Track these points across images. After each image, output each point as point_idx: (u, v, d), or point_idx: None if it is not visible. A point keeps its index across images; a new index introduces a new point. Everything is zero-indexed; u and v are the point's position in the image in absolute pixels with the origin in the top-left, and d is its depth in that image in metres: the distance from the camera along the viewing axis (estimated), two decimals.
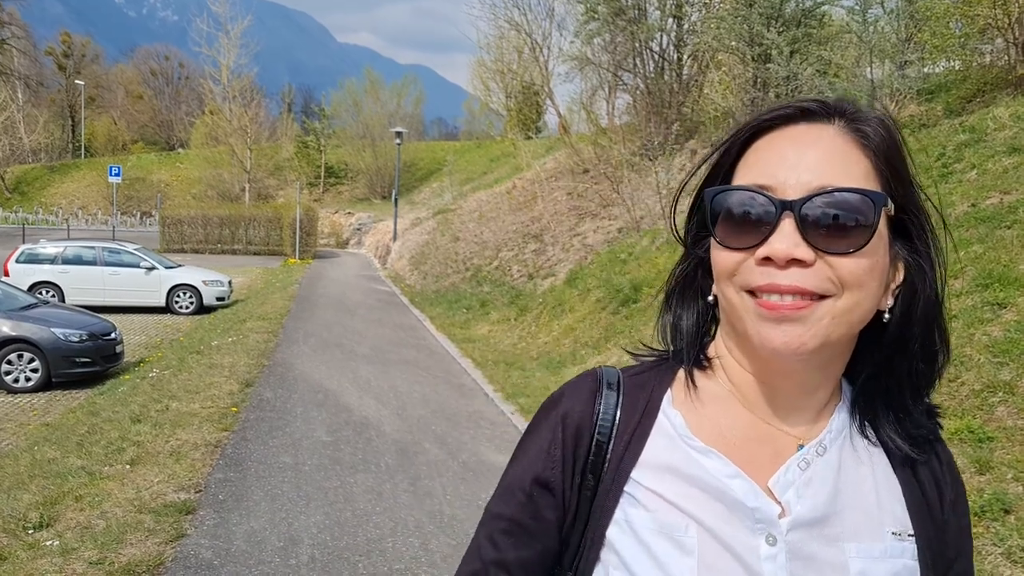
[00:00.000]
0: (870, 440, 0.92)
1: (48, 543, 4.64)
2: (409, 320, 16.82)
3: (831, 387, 0.91)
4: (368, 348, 12.46)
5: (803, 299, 0.81)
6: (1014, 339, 5.54)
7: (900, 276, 0.88)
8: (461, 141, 56.65)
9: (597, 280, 13.68)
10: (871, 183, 0.83)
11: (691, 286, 0.98)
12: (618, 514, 0.90)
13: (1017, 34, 11.01)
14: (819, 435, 0.90)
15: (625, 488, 0.90)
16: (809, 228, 0.80)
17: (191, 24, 48.96)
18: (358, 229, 40.21)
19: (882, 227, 0.82)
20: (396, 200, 33.09)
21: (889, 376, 0.91)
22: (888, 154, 0.85)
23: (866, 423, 0.92)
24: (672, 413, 0.93)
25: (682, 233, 0.98)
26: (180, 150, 61.22)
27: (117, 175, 33.57)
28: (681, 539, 0.85)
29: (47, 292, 16.85)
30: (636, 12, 19.16)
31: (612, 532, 0.90)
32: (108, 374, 10.99)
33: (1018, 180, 7.65)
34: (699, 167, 0.94)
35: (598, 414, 0.94)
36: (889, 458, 0.92)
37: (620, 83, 21.07)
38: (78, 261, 17.76)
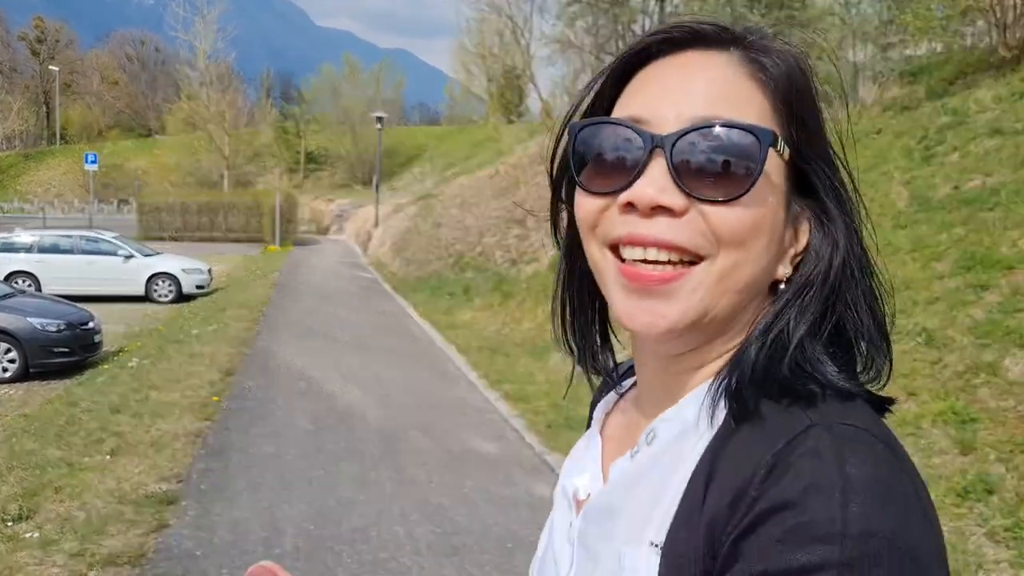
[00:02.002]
0: (712, 429, 0.70)
1: (28, 535, 4.57)
2: (392, 307, 16.75)
3: (707, 361, 0.73)
4: (351, 336, 12.39)
5: (672, 265, 0.67)
6: (996, 320, 5.57)
7: (803, 241, 0.72)
8: (443, 126, 56.46)
9: None
10: (765, 124, 0.68)
11: (579, 264, 0.82)
12: None
13: (999, 16, 11.04)
14: (653, 423, 0.74)
15: None
16: (682, 170, 0.66)
17: (167, 8, 48.37)
18: (339, 216, 40.01)
19: (773, 175, 0.68)
20: (377, 186, 32.93)
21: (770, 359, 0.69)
22: (790, 93, 0.70)
23: (724, 408, 0.70)
24: (610, 395, 0.90)
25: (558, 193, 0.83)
26: (157, 136, 60.58)
27: (93, 162, 33.13)
28: (553, 508, 0.87)
29: (23, 281, 16.60)
30: None
31: None
32: (87, 364, 10.84)
33: (1000, 162, 7.68)
34: (580, 100, 0.77)
35: (598, 399, 0.94)
36: (701, 458, 0.69)
37: (603, 66, 21.01)
38: (55, 250, 17.53)
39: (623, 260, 0.69)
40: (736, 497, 0.61)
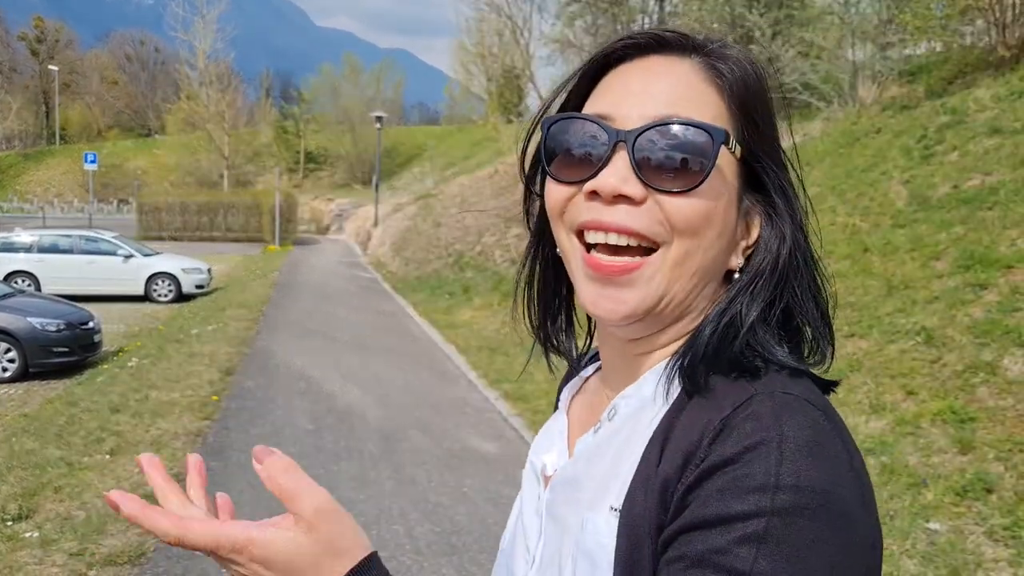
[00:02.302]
0: (668, 403, 0.76)
1: (27, 535, 4.57)
2: (391, 307, 16.75)
3: (664, 343, 0.80)
4: (350, 335, 12.39)
5: (631, 249, 0.74)
6: (995, 320, 5.58)
7: (754, 235, 0.79)
8: (442, 126, 56.39)
9: None
10: (720, 124, 0.74)
11: (548, 252, 0.89)
12: None
13: (998, 15, 11.04)
14: (615, 399, 0.81)
15: None
16: (643, 163, 0.72)
17: (167, 8, 48.33)
18: (339, 215, 40.00)
19: (726, 171, 0.74)
20: (377, 186, 32.92)
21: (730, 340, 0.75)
22: (744, 97, 0.77)
23: (678, 384, 0.76)
24: (577, 378, 0.97)
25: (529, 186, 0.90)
26: (157, 136, 60.56)
27: (93, 162, 33.11)
28: (522, 485, 0.92)
29: (23, 281, 16.60)
30: None
31: None
32: (86, 364, 10.84)
33: (999, 161, 7.68)
34: (550, 102, 0.84)
35: (565, 382, 1.01)
36: (657, 428, 0.75)
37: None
38: (54, 250, 17.53)
39: (588, 248, 0.76)
40: (686, 459, 0.67)
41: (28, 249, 17.40)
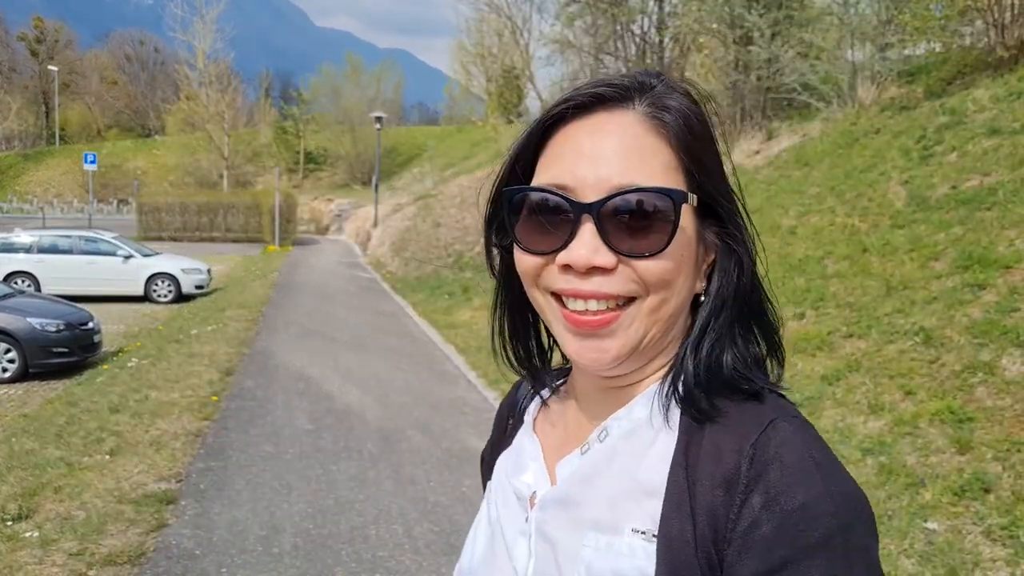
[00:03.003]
0: (670, 428, 0.80)
1: (27, 535, 4.57)
2: (391, 307, 16.75)
3: (649, 373, 0.86)
4: (349, 335, 12.40)
5: (609, 309, 0.78)
6: (994, 320, 5.58)
7: (711, 255, 0.84)
8: (442, 126, 56.36)
9: None
10: (671, 174, 0.78)
11: (516, 292, 0.93)
12: (487, 489, 1.01)
13: (997, 15, 11.05)
14: (606, 421, 0.85)
15: (495, 466, 1.01)
16: (609, 232, 0.76)
17: (166, 8, 48.30)
18: (338, 215, 39.99)
19: (686, 221, 0.78)
20: (376, 186, 32.91)
21: (705, 357, 0.81)
22: (689, 142, 0.80)
23: (676, 408, 0.81)
24: (536, 400, 1.00)
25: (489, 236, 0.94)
26: (156, 137, 60.53)
27: (93, 162, 33.10)
28: (491, 511, 0.95)
29: (23, 282, 16.60)
30: None
31: (481, 506, 1.00)
32: (86, 364, 10.85)
33: (998, 162, 7.69)
34: (503, 168, 0.87)
35: (515, 400, 1.05)
36: (675, 451, 0.78)
37: (602, 67, 20.99)
38: (54, 250, 17.52)
39: (565, 306, 0.80)
40: (728, 487, 0.72)
41: (28, 249, 17.40)
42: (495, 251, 0.95)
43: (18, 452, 6.17)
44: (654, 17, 19.51)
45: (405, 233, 25.38)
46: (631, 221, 0.76)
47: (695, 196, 0.79)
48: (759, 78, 14.68)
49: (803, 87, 13.38)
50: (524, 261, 0.83)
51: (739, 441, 0.74)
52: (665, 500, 0.75)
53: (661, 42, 19.40)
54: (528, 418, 0.99)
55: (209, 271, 18.76)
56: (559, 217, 0.78)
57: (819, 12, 14.38)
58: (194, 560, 4.37)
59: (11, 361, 10.28)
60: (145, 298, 17.58)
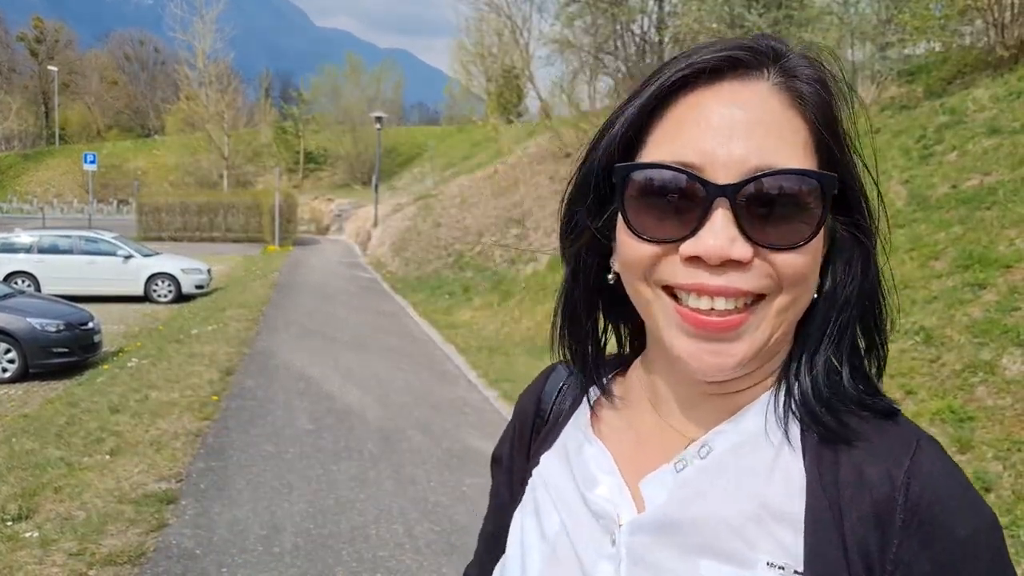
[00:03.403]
0: (792, 446, 0.71)
1: (27, 535, 4.57)
2: (391, 307, 16.75)
3: (757, 380, 0.75)
4: (350, 335, 12.39)
5: (737, 309, 0.68)
6: (994, 319, 5.59)
7: (825, 248, 0.73)
8: (442, 126, 56.38)
9: None
10: (809, 155, 0.69)
11: (588, 281, 0.83)
12: (525, 496, 0.88)
13: (997, 15, 11.05)
14: (707, 435, 0.75)
15: (533, 471, 0.88)
16: (746, 220, 0.66)
17: (166, 8, 48.31)
18: (338, 215, 39.97)
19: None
20: (377, 186, 32.91)
21: (818, 360, 0.73)
22: (827, 118, 0.71)
23: (796, 423, 0.72)
24: (585, 402, 0.88)
25: (568, 221, 0.83)
26: (156, 137, 60.55)
27: (92, 163, 33.12)
28: (545, 525, 0.82)
29: (23, 282, 16.60)
30: None
31: (516, 514, 0.88)
32: (86, 364, 10.85)
33: (998, 161, 7.69)
34: (603, 142, 0.76)
35: (540, 398, 0.94)
36: (809, 474, 0.70)
37: (601, 66, 21.00)
38: (54, 250, 17.53)
39: (680, 302, 0.70)
40: (879, 520, 0.66)
41: (28, 250, 17.41)
42: (572, 236, 0.82)
43: (18, 452, 6.16)
44: (654, 17, 19.51)
45: (405, 233, 25.38)
46: (772, 208, 0.66)
47: (837, 182, 0.69)
48: None
49: None
50: (635, 250, 0.71)
51: (888, 468, 0.67)
52: (807, 532, 0.67)
53: (661, 42, 19.39)
54: (581, 419, 0.87)
55: (209, 271, 18.77)
56: (684, 200, 0.67)
57: (819, 12, 14.37)
58: (194, 560, 4.37)
59: (11, 361, 10.28)
60: (145, 298, 17.58)
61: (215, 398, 7.75)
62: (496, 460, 0.99)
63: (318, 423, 7.26)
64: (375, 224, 30.28)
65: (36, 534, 4.58)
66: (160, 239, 30.36)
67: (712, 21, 15.03)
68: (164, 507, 5.03)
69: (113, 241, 18.12)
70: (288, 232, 31.55)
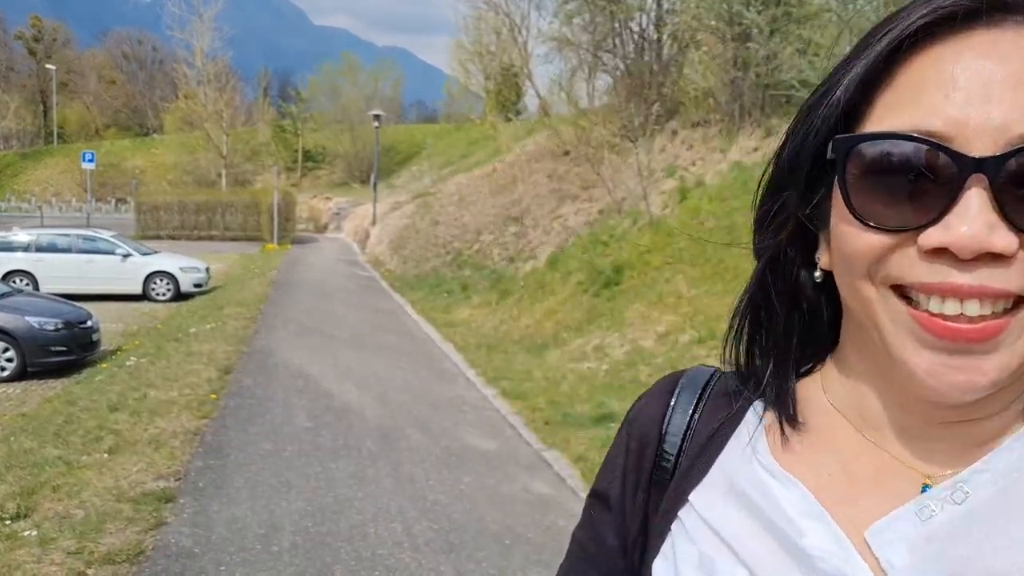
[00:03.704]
0: None
1: (26, 533, 4.57)
2: (390, 305, 16.75)
3: (1009, 403, 0.60)
4: (348, 333, 12.39)
5: (994, 314, 0.54)
6: None
7: None
8: (440, 124, 56.34)
9: (579, 262, 13.67)
10: None
11: (789, 279, 0.69)
12: (666, 544, 0.71)
13: None
14: (962, 474, 0.60)
15: (679, 512, 0.71)
16: (1008, 202, 0.52)
17: (164, 7, 48.27)
18: (337, 214, 39.97)
19: None
20: (375, 184, 32.90)
21: None
22: None
23: None
24: (754, 424, 0.71)
25: (762, 210, 0.69)
26: (154, 135, 60.51)
27: (91, 161, 33.07)
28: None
29: (21, 280, 16.58)
30: None
31: (657, 566, 0.70)
32: (85, 363, 10.84)
33: None
34: (816, 105, 0.63)
35: (668, 419, 0.76)
36: None
37: (600, 64, 21.00)
38: (52, 249, 17.51)
39: (916, 306, 0.56)
40: None
41: (26, 248, 17.39)
42: (775, 226, 0.68)
43: (17, 451, 6.16)
44: (652, 14, 19.52)
45: (404, 231, 25.37)
46: None
47: None
48: (758, 75, 14.68)
49: (802, 84, 13.37)
50: (859, 241, 0.58)
51: None
52: None
53: (659, 39, 19.39)
54: (759, 445, 0.70)
55: (207, 269, 18.76)
56: (927, 178, 0.54)
57: (817, 9, 14.38)
58: (193, 558, 4.37)
59: (9, 360, 10.27)
60: (144, 296, 17.57)
61: (213, 396, 7.75)
62: (601, 497, 0.79)
63: (316, 421, 7.26)
64: (373, 222, 30.28)
65: (35, 533, 4.58)
66: (158, 238, 30.32)
67: (710, 18, 15.05)
68: (162, 505, 5.03)
69: (111, 240, 18.11)
70: (286, 231, 31.54)
